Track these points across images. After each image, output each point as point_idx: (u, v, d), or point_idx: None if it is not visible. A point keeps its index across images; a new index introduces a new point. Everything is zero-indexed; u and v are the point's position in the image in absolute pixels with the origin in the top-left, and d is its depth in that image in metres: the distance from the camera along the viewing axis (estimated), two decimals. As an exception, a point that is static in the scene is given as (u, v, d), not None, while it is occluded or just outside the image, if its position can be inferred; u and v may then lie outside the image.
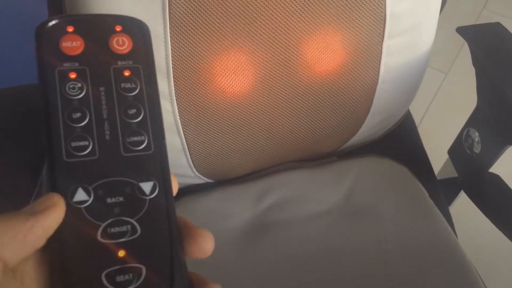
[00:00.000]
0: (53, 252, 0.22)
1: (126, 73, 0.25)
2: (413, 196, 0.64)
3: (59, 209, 0.22)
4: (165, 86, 0.50)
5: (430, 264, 0.56)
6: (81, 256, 0.23)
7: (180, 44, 0.47)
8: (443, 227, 0.60)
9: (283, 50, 0.51)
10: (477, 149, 0.64)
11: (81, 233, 0.23)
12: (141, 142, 0.25)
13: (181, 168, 0.59)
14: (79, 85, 0.25)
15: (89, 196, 0.23)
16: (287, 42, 0.51)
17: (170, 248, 0.24)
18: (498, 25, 0.61)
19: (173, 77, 0.49)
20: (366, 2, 0.51)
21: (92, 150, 0.24)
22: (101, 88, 0.25)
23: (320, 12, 0.50)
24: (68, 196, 0.23)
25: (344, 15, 0.51)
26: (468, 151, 0.66)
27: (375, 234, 0.59)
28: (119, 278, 0.22)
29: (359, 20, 0.52)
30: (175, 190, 0.26)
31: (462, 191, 0.73)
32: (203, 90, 0.51)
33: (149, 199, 0.24)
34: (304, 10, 0.49)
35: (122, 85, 0.25)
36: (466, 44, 0.61)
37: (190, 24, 0.47)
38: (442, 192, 0.70)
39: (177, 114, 0.52)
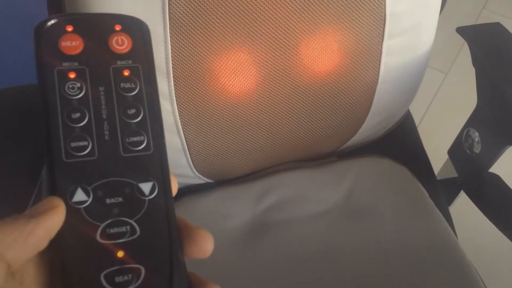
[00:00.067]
0: (52, 252, 0.22)
1: (126, 73, 0.25)
2: (413, 196, 0.64)
3: (60, 211, 0.22)
4: (165, 86, 0.50)
5: (430, 264, 0.56)
6: (80, 256, 0.23)
7: (180, 44, 0.47)
8: (443, 227, 0.60)
9: (283, 50, 0.51)
10: (477, 149, 0.64)
11: (80, 234, 0.23)
12: (141, 142, 0.25)
13: (181, 168, 0.59)
14: (79, 84, 0.24)
15: (88, 196, 0.23)
16: (287, 42, 0.51)
17: (169, 248, 0.24)
18: (498, 25, 0.61)
19: (173, 77, 0.49)
20: (365, 2, 0.51)
21: (92, 150, 0.24)
22: (101, 88, 0.25)
23: (320, 12, 0.50)
24: (67, 196, 0.23)
25: (344, 15, 0.51)
26: (468, 151, 0.66)
27: (375, 234, 0.59)
28: (118, 279, 0.22)
29: (359, 20, 0.52)
30: (174, 190, 0.26)
31: (462, 191, 0.73)
32: (203, 90, 0.51)
33: (149, 199, 0.24)
34: (304, 10, 0.49)
35: (122, 84, 0.25)
36: (466, 44, 0.61)
37: (190, 24, 0.46)
38: (442, 192, 0.70)
39: (177, 114, 0.52)
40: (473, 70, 0.62)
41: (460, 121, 0.69)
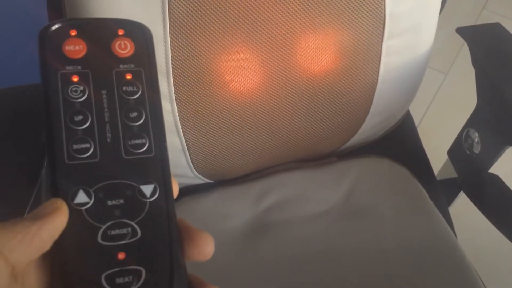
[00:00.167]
0: (54, 253, 0.22)
1: (128, 77, 0.26)
2: (413, 196, 0.64)
3: (63, 213, 0.23)
4: (164, 86, 0.50)
5: (429, 264, 0.56)
6: (81, 258, 0.23)
7: (180, 44, 0.47)
8: (443, 228, 0.60)
9: (283, 51, 0.51)
10: (476, 149, 0.64)
11: (81, 235, 0.23)
12: (142, 145, 0.25)
13: (181, 168, 0.59)
14: (82, 88, 0.25)
15: (90, 198, 0.24)
16: (286, 42, 0.51)
17: (170, 251, 0.24)
18: (497, 25, 0.61)
19: (173, 77, 0.49)
20: (365, 2, 0.51)
21: (94, 152, 0.24)
22: (103, 91, 0.25)
23: (319, 13, 0.50)
24: (69, 198, 0.23)
25: (344, 15, 0.51)
26: (467, 152, 0.66)
27: (374, 234, 0.59)
28: (119, 280, 0.23)
29: (358, 20, 0.52)
30: (175, 192, 0.26)
31: (461, 191, 0.73)
32: (203, 91, 0.51)
33: (150, 201, 0.24)
34: (304, 10, 0.49)
35: (124, 88, 0.25)
36: (466, 45, 0.61)
37: (189, 25, 0.47)
38: (442, 193, 0.70)
39: (177, 114, 0.52)
40: (473, 70, 0.62)
41: (460, 121, 0.69)
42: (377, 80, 0.58)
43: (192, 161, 0.58)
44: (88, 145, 0.24)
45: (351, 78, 0.57)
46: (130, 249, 0.23)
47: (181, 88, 0.50)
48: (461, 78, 1.36)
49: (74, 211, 0.23)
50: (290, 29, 0.50)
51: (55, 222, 0.22)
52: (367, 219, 0.61)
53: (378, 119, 0.65)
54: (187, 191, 0.64)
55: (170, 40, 0.47)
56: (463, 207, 0.74)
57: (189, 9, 0.46)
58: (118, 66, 0.26)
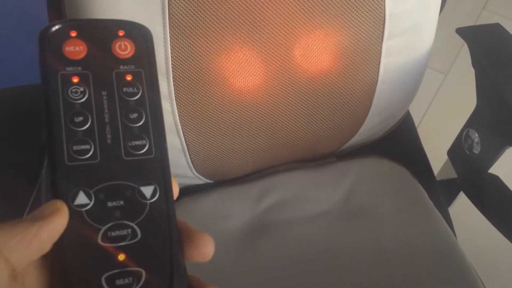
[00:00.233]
0: (54, 254, 0.22)
1: (128, 78, 0.26)
2: (413, 197, 0.64)
3: (63, 214, 0.23)
4: (164, 86, 0.50)
5: (429, 265, 0.56)
6: (81, 259, 0.23)
7: (180, 44, 0.47)
8: (443, 228, 0.60)
9: (283, 51, 0.51)
10: (476, 150, 0.64)
11: (81, 236, 0.23)
12: (143, 146, 0.25)
13: (181, 168, 0.59)
14: (82, 89, 0.25)
15: (90, 199, 0.24)
16: (286, 42, 0.51)
17: (170, 252, 0.24)
18: (497, 26, 0.61)
19: (173, 77, 0.49)
20: (365, 2, 0.51)
21: (94, 153, 0.24)
22: (103, 92, 0.25)
23: (319, 13, 0.50)
24: (69, 199, 0.23)
25: (344, 15, 0.51)
26: (467, 152, 0.66)
27: (374, 234, 0.59)
28: (119, 282, 0.23)
29: (358, 21, 0.52)
30: (175, 194, 0.26)
31: (461, 192, 0.73)
32: (203, 91, 0.51)
33: (150, 203, 0.24)
34: (304, 11, 0.49)
35: (124, 89, 0.25)
36: (465, 45, 0.61)
37: (189, 25, 0.47)
38: (442, 193, 0.70)
39: (177, 114, 0.52)
40: (472, 71, 0.62)
41: (459, 121, 0.69)
42: (377, 80, 0.58)
43: (192, 161, 0.58)
44: (88, 146, 0.24)
45: (351, 78, 0.57)
46: (130, 250, 0.23)
47: (181, 88, 0.50)
48: (461, 79, 1.36)
49: (74, 213, 0.23)
50: (290, 29, 0.50)
51: (54, 224, 0.22)
52: (367, 219, 0.61)
53: (378, 120, 0.65)
54: (187, 191, 0.64)
55: (170, 40, 0.47)
56: (463, 208, 0.74)
57: (189, 9, 0.46)
58: (118, 67, 0.26)
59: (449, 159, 0.73)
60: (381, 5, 0.51)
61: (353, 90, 0.58)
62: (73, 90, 0.25)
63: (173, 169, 0.25)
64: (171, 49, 0.47)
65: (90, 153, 0.24)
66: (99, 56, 0.25)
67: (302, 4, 0.49)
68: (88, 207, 0.23)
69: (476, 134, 0.64)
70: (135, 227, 0.24)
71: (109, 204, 0.24)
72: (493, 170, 0.63)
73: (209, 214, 0.62)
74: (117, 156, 0.25)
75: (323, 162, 0.68)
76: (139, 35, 0.27)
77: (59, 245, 0.22)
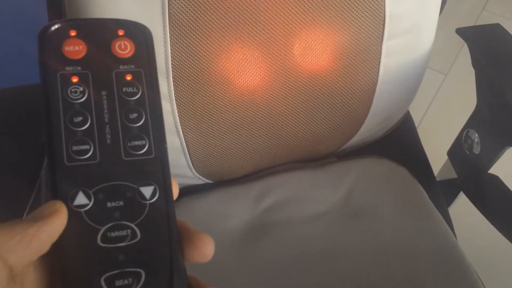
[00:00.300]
0: (53, 255, 0.22)
1: (128, 78, 0.25)
2: (413, 197, 0.64)
3: (62, 214, 0.22)
4: (164, 86, 0.50)
5: (429, 265, 0.56)
6: (81, 259, 0.23)
7: (180, 44, 0.47)
8: (443, 228, 0.60)
9: (283, 51, 0.51)
10: (476, 150, 0.64)
11: (81, 237, 0.23)
12: (142, 147, 0.25)
13: (181, 168, 0.59)
14: (81, 89, 0.25)
15: (90, 200, 0.23)
16: (286, 42, 0.51)
17: (169, 253, 0.24)
18: (497, 26, 0.61)
19: (173, 77, 0.49)
20: (365, 3, 0.51)
21: (93, 154, 0.24)
22: (103, 92, 0.25)
23: (319, 13, 0.50)
24: (68, 199, 0.23)
25: (344, 15, 0.51)
26: (467, 152, 0.66)
27: (374, 235, 0.59)
28: (119, 283, 0.22)
29: (358, 21, 0.52)
30: (175, 194, 0.26)
31: (461, 192, 0.73)
32: (203, 91, 0.51)
33: (149, 203, 0.24)
34: (304, 11, 0.49)
35: (124, 89, 0.25)
36: (465, 45, 0.61)
37: (189, 25, 0.47)
38: (442, 193, 0.70)
39: (177, 114, 0.52)
40: (472, 71, 0.62)
41: (459, 122, 0.69)
42: (377, 80, 0.58)
43: (192, 161, 0.58)
44: (87, 147, 0.24)
45: (351, 78, 0.57)
46: (129, 251, 0.23)
47: (181, 88, 0.50)
48: (461, 79, 1.36)
49: (74, 213, 0.23)
50: (290, 29, 0.50)
51: (54, 224, 0.22)
52: (367, 219, 0.61)
53: (378, 120, 0.65)
54: (187, 191, 0.64)
55: (170, 40, 0.47)
56: (463, 208, 0.74)
57: (189, 9, 0.46)
58: (118, 66, 0.25)
59: (449, 160, 0.73)
60: (381, 5, 0.51)
61: (353, 90, 0.58)
62: (73, 90, 0.24)
63: (173, 169, 0.25)
64: (171, 49, 0.47)
65: (90, 153, 0.24)
66: (98, 56, 0.25)
67: (302, 4, 0.49)
68: (88, 207, 0.23)
69: (476, 135, 0.64)
70: (135, 227, 0.24)
71: (109, 204, 0.24)
72: (493, 170, 0.63)
73: (209, 214, 0.62)
74: (117, 156, 0.24)
75: (323, 162, 0.68)
76: (139, 34, 0.26)
77: (58, 246, 0.22)
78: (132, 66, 0.26)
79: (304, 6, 0.49)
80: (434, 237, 0.59)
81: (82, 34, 0.25)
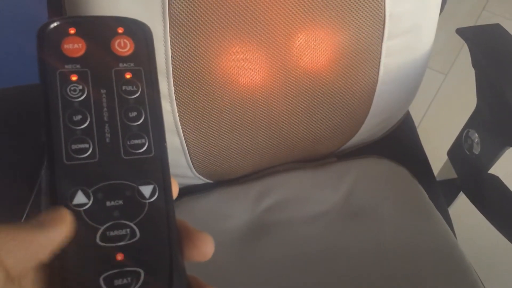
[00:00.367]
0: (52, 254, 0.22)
1: (128, 76, 0.25)
2: (413, 197, 0.64)
3: (66, 224, 0.22)
4: (164, 86, 0.50)
5: (429, 265, 0.56)
6: (80, 259, 0.22)
7: (180, 44, 0.47)
8: (443, 229, 0.60)
9: (283, 51, 0.51)
10: (476, 150, 0.64)
11: (80, 236, 0.23)
12: (142, 145, 0.25)
13: (181, 168, 0.59)
14: (80, 87, 0.24)
15: (89, 199, 0.23)
16: (286, 42, 0.51)
17: (169, 252, 0.24)
18: (497, 26, 0.61)
19: (173, 77, 0.49)
20: (365, 3, 0.51)
21: (92, 152, 0.24)
22: (102, 91, 0.25)
23: (320, 13, 0.50)
24: (67, 198, 0.23)
25: (344, 15, 0.51)
26: (467, 152, 0.66)
27: (374, 235, 0.59)
28: (117, 282, 0.22)
29: (358, 21, 0.52)
30: (175, 193, 0.25)
31: (461, 192, 0.73)
32: (203, 90, 0.51)
33: (149, 202, 0.24)
34: (304, 10, 0.49)
35: (124, 87, 0.25)
36: (465, 46, 0.61)
37: (189, 25, 0.47)
38: (442, 193, 0.70)
39: (177, 114, 0.52)
40: (472, 71, 0.62)
41: (459, 122, 0.69)
42: (377, 80, 0.58)
43: (192, 161, 0.58)
44: (87, 145, 0.24)
45: (351, 78, 0.57)
46: (129, 250, 0.23)
47: (181, 88, 0.50)
48: (461, 79, 1.36)
49: (73, 212, 0.23)
50: (290, 29, 0.50)
51: (56, 232, 0.21)
52: (367, 219, 0.61)
53: (378, 120, 0.65)
54: (187, 191, 0.64)
55: (170, 40, 0.47)
56: (463, 208, 0.74)
57: (189, 9, 0.46)
58: (117, 65, 0.25)
59: (449, 160, 0.73)
60: (381, 5, 0.51)
61: (353, 90, 0.58)
62: (72, 88, 0.24)
63: (173, 169, 0.25)
64: (171, 49, 0.47)
65: (89, 152, 0.24)
66: (98, 54, 0.25)
67: (302, 4, 0.49)
68: (87, 206, 0.23)
69: (476, 135, 0.64)
70: (134, 226, 0.23)
71: (108, 203, 0.23)
72: (493, 170, 0.63)
73: (209, 214, 0.62)
74: (116, 155, 0.24)
75: (323, 162, 0.68)
76: (139, 32, 0.26)
77: None
78: (132, 64, 0.25)
79: (304, 6, 0.49)
80: (434, 237, 0.59)
81: (81, 31, 0.25)
